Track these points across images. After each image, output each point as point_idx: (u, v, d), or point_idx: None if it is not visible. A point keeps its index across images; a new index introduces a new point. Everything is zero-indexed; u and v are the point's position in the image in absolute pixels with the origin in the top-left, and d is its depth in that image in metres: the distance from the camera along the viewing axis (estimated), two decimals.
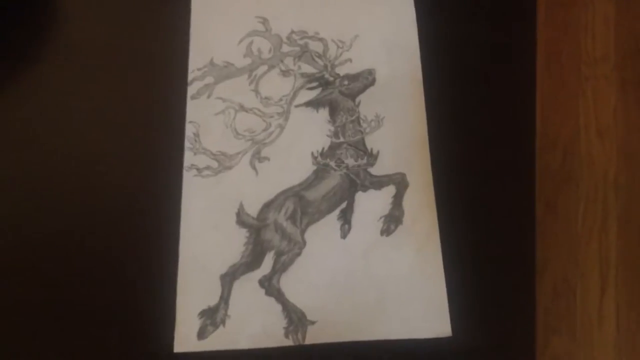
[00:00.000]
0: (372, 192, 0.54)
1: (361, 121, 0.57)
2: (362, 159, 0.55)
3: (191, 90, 0.58)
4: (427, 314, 0.50)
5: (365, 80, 0.58)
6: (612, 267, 0.87)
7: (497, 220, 0.53)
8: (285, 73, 0.59)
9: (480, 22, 0.60)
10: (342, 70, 0.59)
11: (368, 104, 0.57)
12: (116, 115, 0.58)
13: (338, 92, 0.58)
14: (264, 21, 0.61)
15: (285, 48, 0.60)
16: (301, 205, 0.54)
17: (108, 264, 0.52)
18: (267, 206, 0.54)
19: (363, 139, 0.56)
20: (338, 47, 0.59)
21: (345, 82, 0.58)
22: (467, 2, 0.61)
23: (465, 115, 0.56)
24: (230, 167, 0.56)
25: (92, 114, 0.58)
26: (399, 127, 0.56)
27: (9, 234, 0.54)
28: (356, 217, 0.53)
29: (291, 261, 0.52)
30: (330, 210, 0.54)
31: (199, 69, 0.59)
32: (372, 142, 0.56)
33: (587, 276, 0.83)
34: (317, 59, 0.59)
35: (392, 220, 0.53)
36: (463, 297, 0.50)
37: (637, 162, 0.87)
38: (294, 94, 0.58)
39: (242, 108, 0.58)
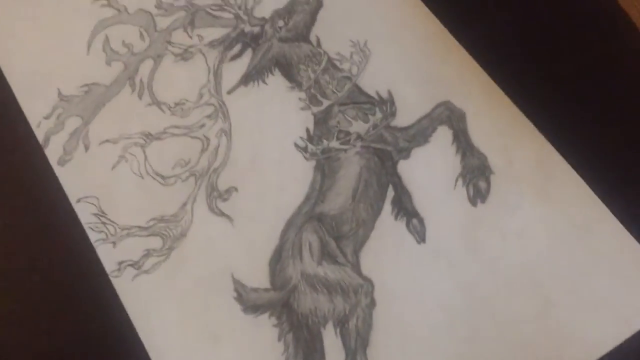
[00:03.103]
0: (419, 153, 0.33)
1: (337, 63, 0.35)
2: (372, 114, 0.33)
3: (52, 152, 0.34)
4: (624, 290, 0.29)
5: (305, 5, 0.36)
6: None
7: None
8: (184, 55, 0.36)
9: None
10: (264, 10, 0.37)
11: (332, 35, 0.36)
12: None
13: (278, 42, 0.36)
14: (109, 0, 0.37)
15: (163, 21, 0.37)
16: (328, 229, 0.31)
17: None
18: (276, 260, 0.31)
19: (356, 86, 0.34)
20: None
21: (280, 23, 0.36)
22: None
23: None
24: (183, 234, 0.32)
25: None
26: (396, 40, 0.35)
27: None
28: (420, 200, 0.32)
29: (367, 322, 0.30)
30: (375, 212, 0.32)
31: (46, 117, 0.34)
32: (372, 83, 0.34)
33: None
34: (218, 13, 0.37)
35: (476, 175, 0.32)
36: None
37: None
38: (216, 78, 0.35)
39: (151, 137, 0.34)
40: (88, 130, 0.34)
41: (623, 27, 0.34)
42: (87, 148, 0.34)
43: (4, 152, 0.34)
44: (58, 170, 0.33)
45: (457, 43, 0.34)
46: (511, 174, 0.32)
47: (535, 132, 0.32)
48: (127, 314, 0.30)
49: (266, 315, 0.30)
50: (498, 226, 0.31)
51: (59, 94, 0.35)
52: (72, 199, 0.33)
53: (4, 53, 0.36)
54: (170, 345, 0.30)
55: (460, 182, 0.32)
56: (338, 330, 0.30)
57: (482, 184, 0.32)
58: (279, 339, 0.30)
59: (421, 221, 0.31)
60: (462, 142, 0.33)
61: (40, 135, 0.34)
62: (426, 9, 0.35)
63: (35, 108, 0.35)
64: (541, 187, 0.31)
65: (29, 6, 0.37)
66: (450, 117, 0.33)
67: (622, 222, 0.30)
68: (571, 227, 0.31)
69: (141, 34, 0.36)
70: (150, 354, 0.30)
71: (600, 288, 0.29)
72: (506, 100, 0.33)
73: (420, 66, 0.34)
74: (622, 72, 0.34)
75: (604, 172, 0.31)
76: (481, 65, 0.33)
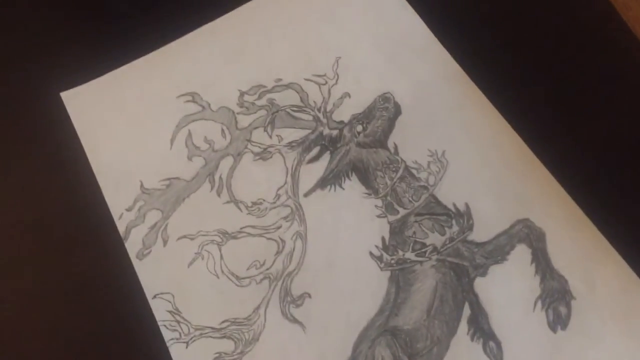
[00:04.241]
0: (496, 271, 0.32)
1: (414, 172, 0.35)
2: (449, 227, 0.33)
3: (132, 246, 0.34)
4: None
5: (384, 111, 0.37)
6: None
7: None
8: (263, 155, 0.37)
9: None
10: (343, 114, 0.37)
11: (410, 143, 0.36)
12: (46, 326, 0.33)
13: (356, 147, 0.36)
14: (194, 97, 0.38)
15: (245, 120, 0.38)
16: (402, 345, 0.31)
17: None
18: None
19: (433, 197, 0.34)
20: (320, 84, 0.38)
21: (359, 128, 0.37)
22: None
23: (546, 95, 0.37)
24: (255, 339, 0.32)
25: None
26: (476, 154, 0.35)
27: None
28: (497, 322, 0.31)
29: None
30: (451, 330, 0.31)
31: (128, 209, 0.35)
32: (448, 194, 0.34)
33: None
34: (298, 114, 0.38)
35: (556, 299, 0.31)
36: None
37: None
38: (293, 179, 0.36)
39: (227, 236, 0.34)
40: (167, 225, 0.35)
41: None
42: (165, 243, 0.35)
43: (84, 243, 0.35)
44: (136, 264, 0.34)
45: (537, 160, 0.34)
46: (593, 301, 0.31)
47: (618, 259, 0.31)
48: None
49: None
50: (579, 356, 0.30)
51: (141, 186, 0.36)
52: (149, 295, 0.33)
53: (92, 144, 0.37)
54: None
55: (539, 305, 0.31)
56: None
57: (563, 309, 0.31)
58: None
59: (498, 344, 0.31)
60: (542, 262, 0.32)
61: (121, 227, 0.35)
62: (506, 124, 0.35)
63: (118, 200, 0.36)
64: (625, 319, 0.30)
65: (117, 99, 0.39)
66: (529, 235, 0.33)
67: None
68: None
69: (223, 131, 0.38)
70: None
71: None
72: (588, 223, 0.32)
73: (499, 181, 0.34)
74: None
75: None
76: (562, 185, 0.33)
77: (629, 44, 0.38)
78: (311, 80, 0.38)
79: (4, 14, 0.42)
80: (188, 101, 0.38)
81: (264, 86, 0.38)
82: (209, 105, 0.38)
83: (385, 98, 0.37)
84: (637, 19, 0.39)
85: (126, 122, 0.38)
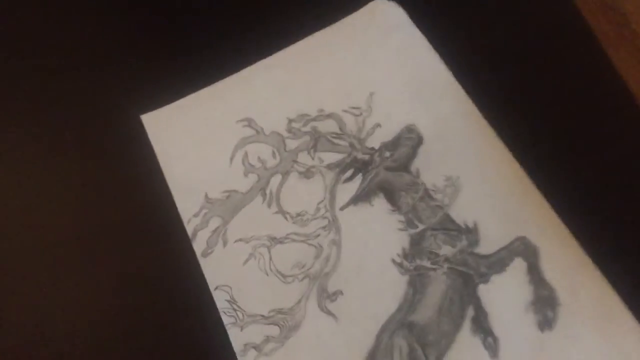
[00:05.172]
0: (497, 279, 0.39)
1: (432, 193, 0.42)
2: (459, 241, 0.40)
3: (198, 245, 0.42)
4: None
5: (408, 141, 0.44)
6: None
7: None
8: (306, 174, 0.44)
9: (503, 21, 0.48)
10: (375, 142, 0.44)
11: (429, 169, 0.43)
12: (118, 314, 0.41)
13: (384, 170, 0.43)
14: (250, 122, 0.46)
15: (292, 143, 0.45)
16: (417, 337, 0.38)
17: None
18: (371, 357, 0.38)
19: (447, 215, 0.41)
20: (356, 116, 0.45)
21: (387, 154, 0.44)
22: (475, 8, 0.49)
23: (550, 131, 0.43)
24: (297, 326, 0.39)
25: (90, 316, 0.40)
26: (484, 180, 0.42)
27: None
28: (496, 321, 0.38)
29: None
30: (457, 326, 0.38)
31: (195, 215, 0.43)
32: (461, 213, 0.41)
33: None
34: (337, 140, 0.45)
35: (545, 305, 0.38)
36: None
37: None
38: (331, 195, 0.43)
39: (275, 240, 0.42)
40: (227, 230, 0.43)
41: None
42: (225, 244, 0.42)
43: (158, 243, 0.43)
44: (201, 261, 0.42)
45: (535, 189, 0.40)
46: (576, 308, 0.37)
47: (597, 274, 0.38)
48: None
49: None
50: (562, 352, 0.37)
51: (206, 196, 0.44)
52: (211, 287, 0.41)
53: (167, 160, 0.45)
54: None
55: (531, 309, 0.38)
56: None
57: (550, 313, 0.38)
58: None
59: (495, 340, 0.37)
60: (535, 274, 0.39)
61: (189, 230, 0.43)
62: (511, 157, 0.42)
63: (187, 207, 0.43)
64: (601, 323, 0.37)
65: (187, 123, 0.46)
66: (525, 251, 0.39)
67: None
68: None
69: (273, 153, 0.45)
70: None
71: None
72: (574, 242, 0.39)
73: (503, 204, 0.41)
74: None
75: None
76: (554, 210, 0.40)
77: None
78: (348, 112, 0.45)
79: (95, 44, 0.51)
80: (245, 126, 0.46)
81: (309, 115, 0.46)
82: (262, 130, 0.46)
83: (410, 129, 0.44)
84: None
85: (194, 142, 0.46)
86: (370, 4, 0.49)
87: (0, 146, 0.47)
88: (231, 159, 0.45)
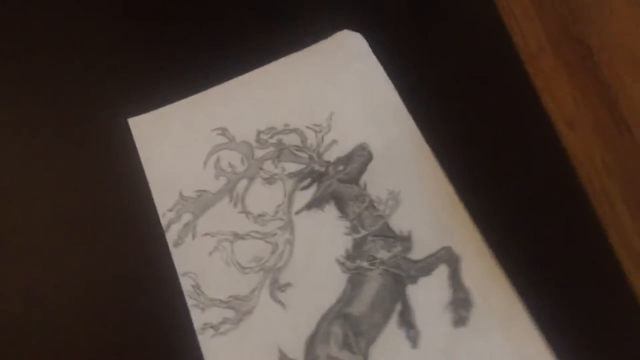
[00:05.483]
0: (423, 281, 0.46)
1: (376, 204, 0.48)
2: (395, 247, 0.47)
3: (170, 236, 0.48)
4: None
5: (360, 157, 0.50)
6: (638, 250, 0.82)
7: (568, 251, 0.46)
8: (269, 180, 0.50)
9: (452, 57, 0.55)
10: (331, 156, 0.51)
11: (376, 183, 0.49)
12: (92, 295, 0.47)
13: (337, 181, 0.50)
14: (224, 131, 0.52)
15: (259, 152, 0.51)
16: (351, 326, 0.44)
17: None
18: (311, 341, 0.44)
19: (387, 224, 0.48)
20: (316, 132, 0.52)
21: (340, 167, 0.50)
22: (429, 46, 0.56)
23: (480, 157, 0.50)
24: (250, 311, 0.46)
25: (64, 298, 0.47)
26: (421, 196, 0.48)
27: None
28: (419, 317, 0.44)
29: None
30: (385, 319, 0.45)
31: (170, 210, 0.49)
32: (398, 223, 0.48)
33: None
34: (298, 152, 0.51)
35: (461, 305, 0.44)
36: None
37: (616, 143, 0.82)
38: (289, 200, 0.49)
39: (237, 236, 0.48)
40: (196, 224, 0.49)
41: None
42: (194, 237, 0.48)
43: (136, 233, 0.49)
44: (172, 250, 0.48)
45: (462, 206, 0.47)
46: (486, 311, 0.44)
47: (505, 281, 0.44)
48: None
49: None
50: (472, 346, 0.43)
51: (180, 194, 0.50)
52: (179, 272, 0.47)
53: (148, 158, 0.50)
54: None
55: (449, 308, 0.45)
56: None
57: (464, 313, 0.44)
58: None
59: (417, 333, 0.44)
60: (455, 279, 0.45)
61: (164, 222, 0.49)
62: (445, 177, 0.48)
63: (163, 202, 0.49)
64: (506, 323, 0.43)
65: (169, 127, 0.52)
66: (449, 258, 0.46)
67: None
68: (522, 355, 0.43)
69: (242, 160, 0.51)
70: None
71: None
72: (488, 255, 0.45)
73: (434, 218, 0.47)
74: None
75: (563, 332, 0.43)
76: (476, 225, 0.46)
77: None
78: (310, 128, 0.52)
79: (89, 44, 0.57)
80: (219, 134, 0.52)
81: (276, 128, 0.52)
82: (234, 138, 0.52)
83: (362, 147, 0.51)
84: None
85: (174, 146, 0.52)
86: (338, 34, 0.55)
87: None
88: (205, 162, 0.51)
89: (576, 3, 0.86)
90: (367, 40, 0.54)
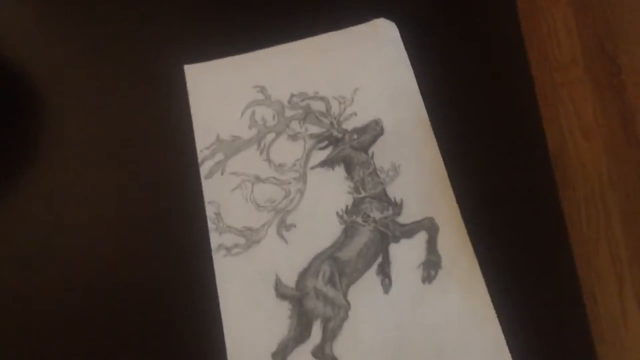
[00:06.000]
0: (405, 242, 0.54)
1: (378, 172, 0.57)
2: (387, 210, 0.55)
3: (203, 170, 0.58)
4: (487, 356, 0.49)
5: (373, 131, 0.58)
6: (625, 264, 0.89)
7: (531, 242, 0.53)
8: (293, 137, 0.59)
9: (470, 56, 0.62)
10: (348, 125, 0.59)
11: (382, 154, 0.57)
12: (130, 208, 0.57)
13: (350, 148, 0.58)
14: (262, 89, 0.61)
15: (289, 112, 0.60)
16: (337, 267, 0.53)
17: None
18: (303, 274, 0.53)
19: (384, 190, 0.56)
20: (340, 103, 0.60)
21: (355, 137, 0.58)
22: (453, 42, 0.63)
23: (477, 148, 0.57)
24: (258, 241, 0.55)
25: (102, 212, 0.57)
26: (417, 172, 0.56)
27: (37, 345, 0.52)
28: (394, 270, 0.53)
29: (340, 326, 0.51)
30: (367, 267, 0.53)
31: (207, 148, 0.59)
32: (394, 191, 0.56)
33: (602, 277, 0.84)
34: (322, 118, 0.59)
35: (431, 266, 0.53)
36: (519, 330, 0.50)
37: (624, 158, 0.89)
38: (307, 157, 0.58)
39: (258, 179, 0.57)
40: (226, 164, 0.58)
41: None
42: (222, 173, 0.57)
43: (176, 163, 0.59)
44: (203, 182, 0.57)
45: (449, 185, 0.55)
46: (451, 272, 0.52)
47: (471, 252, 0.53)
48: (214, 274, 0.54)
49: (287, 302, 0.53)
50: (435, 299, 0.52)
51: (217, 136, 0.59)
52: (206, 200, 0.56)
53: (196, 102, 0.60)
54: (233, 298, 0.52)
55: (421, 267, 0.53)
56: (322, 324, 0.52)
57: (432, 272, 0.52)
58: (290, 318, 0.52)
59: (390, 282, 0.52)
60: (431, 244, 0.53)
61: (200, 158, 0.58)
62: (440, 159, 0.56)
63: (202, 141, 0.58)
64: (464, 285, 0.52)
65: (218, 78, 0.61)
66: (430, 227, 0.54)
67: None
68: (472, 315, 0.51)
69: (274, 116, 0.60)
70: (220, 300, 0.53)
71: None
72: (464, 230, 0.53)
73: (424, 191, 0.55)
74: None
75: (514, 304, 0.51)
76: (458, 203, 0.54)
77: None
78: (336, 99, 0.60)
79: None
80: (258, 91, 0.61)
81: (306, 94, 0.60)
82: (270, 97, 0.61)
83: (376, 122, 0.59)
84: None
85: (219, 94, 0.60)
86: (374, 20, 0.63)
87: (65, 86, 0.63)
88: (242, 113, 0.60)
89: (614, 23, 0.93)
90: (399, 29, 0.62)
